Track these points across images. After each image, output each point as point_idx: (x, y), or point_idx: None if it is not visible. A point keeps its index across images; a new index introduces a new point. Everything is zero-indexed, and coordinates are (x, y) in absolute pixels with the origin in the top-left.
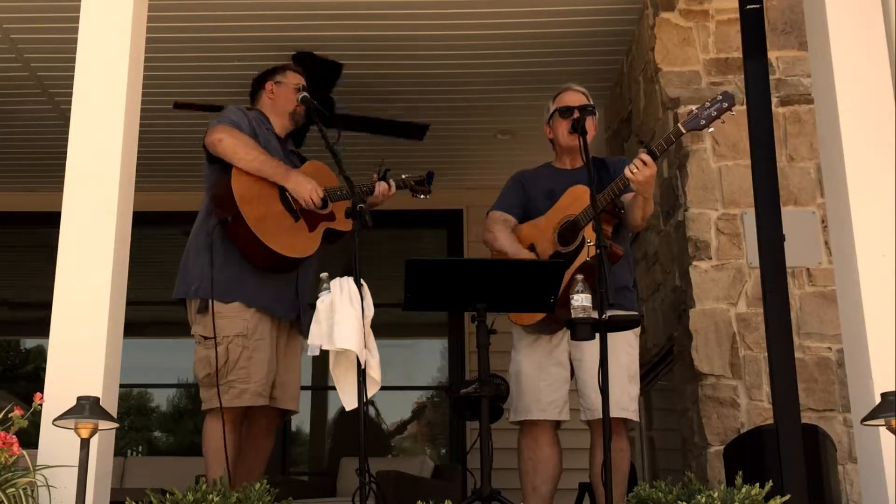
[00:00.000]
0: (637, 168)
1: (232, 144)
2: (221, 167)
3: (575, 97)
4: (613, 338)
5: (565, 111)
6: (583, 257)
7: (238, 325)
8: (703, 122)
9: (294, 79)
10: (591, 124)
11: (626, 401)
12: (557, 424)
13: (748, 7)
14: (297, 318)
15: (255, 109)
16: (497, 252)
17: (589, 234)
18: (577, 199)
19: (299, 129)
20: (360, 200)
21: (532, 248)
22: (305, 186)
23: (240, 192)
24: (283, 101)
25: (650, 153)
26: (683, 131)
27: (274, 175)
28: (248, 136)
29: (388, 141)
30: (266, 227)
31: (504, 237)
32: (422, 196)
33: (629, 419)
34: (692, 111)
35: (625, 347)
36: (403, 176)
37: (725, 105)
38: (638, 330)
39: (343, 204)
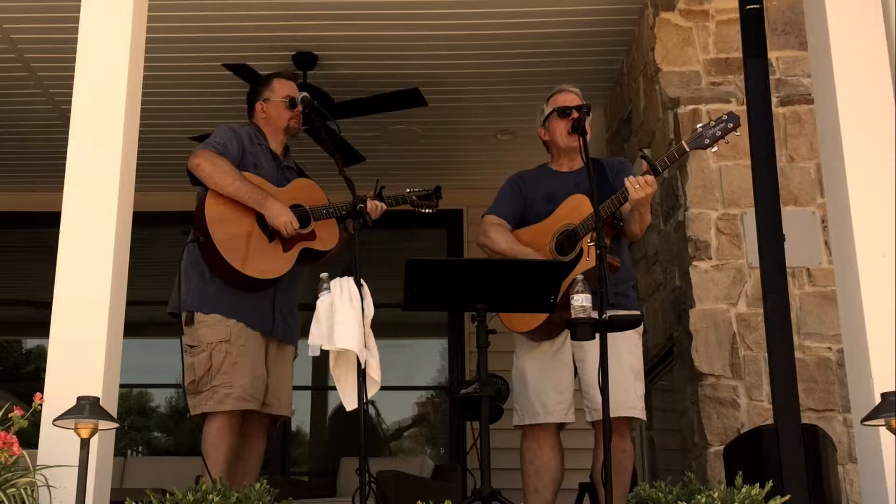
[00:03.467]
0: (640, 185)
1: (209, 170)
2: (203, 189)
3: (571, 97)
4: (615, 337)
5: (563, 111)
6: (581, 267)
7: (221, 331)
8: (707, 140)
9: (282, 90)
10: (587, 124)
11: (632, 399)
12: (561, 427)
13: (748, 7)
14: (271, 332)
15: (252, 124)
16: (495, 254)
17: (587, 244)
18: (575, 208)
19: (315, 129)
20: (361, 200)
21: None
22: (281, 217)
23: (211, 213)
24: (274, 118)
25: (653, 170)
26: (687, 150)
27: (250, 201)
28: (230, 159)
29: (386, 141)
30: (234, 248)
31: (501, 238)
32: (426, 210)
33: (635, 418)
34: (697, 129)
35: (627, 346)
36: (407, 190)
37: (730, 126)
38: (640, 329)
39: (328, 223)
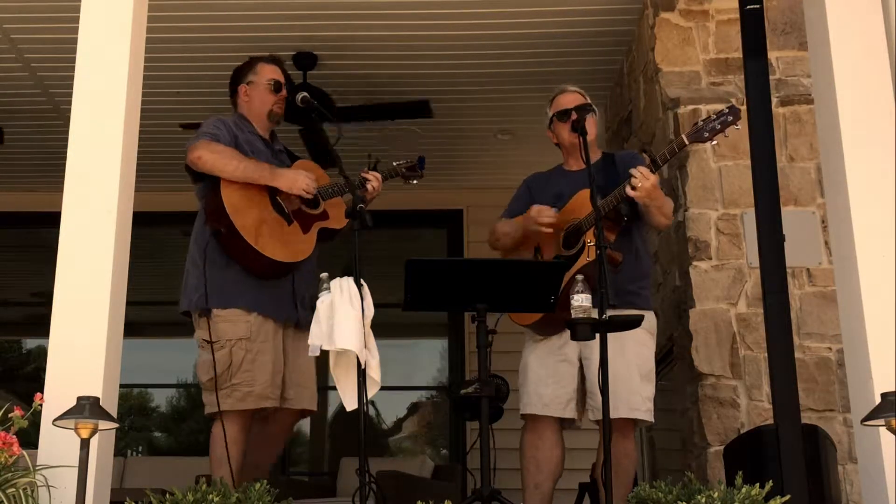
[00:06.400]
0: (639, 183)
1: (212, 159)
2: (209, 182)
3: (571, 98)
4: (622, 337)
5: (562, 114)
6: (582, 261)
7: (241, 328)
8: (706, 134)
9: (266, 74)
10: (591, 122)
11: (637, 401)
12: (563, 423)
13: (748, 7)
14: (296, 322)
15: (236, 114)
16: (504, 246)
17: (590, 238)
18: (582, 203)
19: (312, 124)
20: (361, 200)
21: (537, 249)
22: (296, 180)
23: (230, 202)
24: (257, 102)
25: (653, 162)
26: (687, 143)
27: (261, 178)
28: (227, 145)
29: (386, 141)
30: (260, 235)
31: (504, 224)
32: (414, 181)
33: (640, 419)
34: (697, 123)
35: (634, 347)
36: (394, 163)
37: (730, 119)
38: (653, 328)
39: (335, 201)
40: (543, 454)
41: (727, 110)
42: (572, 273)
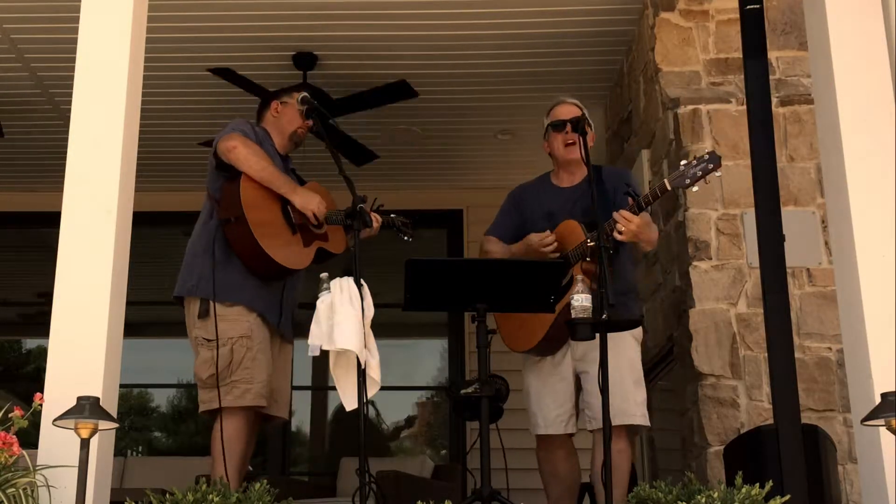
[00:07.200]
0: (623, 227)
1: (245, 153)
2: (228, 174)
3: (567, 109)
4: (614, 345)
5: (558, 125)
6: (572, 293)
7: (242, 326)
8: (687, 180)
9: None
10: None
11: (630, 407)
12: (571, 435)
13: (748, 7)
14: (281, 332)
15: (259, 125)
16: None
17: (577, 273)
18: (567, 236)
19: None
20: (361, 200)
21: None
22: (313, 200)
23: (246, 196)
24: (286, 120)
25: (637, 206)
26: (668, 188)
27: (281, 187)
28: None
29: (386, 141)
30: (265, 233)
31: (497, 249)
32: (405, 238)
33: (635, 424)
34: (680, 167)
35: (626, 353)
36: (392, 215)
37: (711, 166)
38: (639, 334)
39: (336, 228)
40: (557, 469)
41: (707, 156)
42: (560, 306)
